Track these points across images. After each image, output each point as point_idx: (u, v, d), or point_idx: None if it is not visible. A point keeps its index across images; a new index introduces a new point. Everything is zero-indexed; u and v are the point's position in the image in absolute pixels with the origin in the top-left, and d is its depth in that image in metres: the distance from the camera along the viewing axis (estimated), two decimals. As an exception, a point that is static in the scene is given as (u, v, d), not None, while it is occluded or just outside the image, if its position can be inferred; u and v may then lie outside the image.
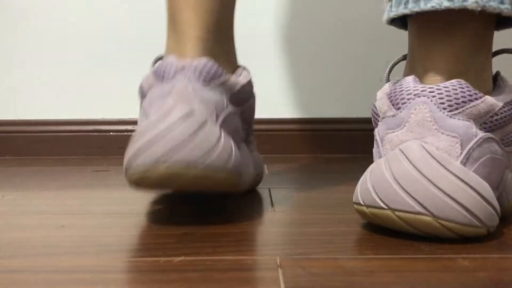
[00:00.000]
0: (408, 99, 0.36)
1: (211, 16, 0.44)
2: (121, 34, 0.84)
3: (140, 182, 0.38)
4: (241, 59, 0.51)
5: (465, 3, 0.35)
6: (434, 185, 0.33)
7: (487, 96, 0.37)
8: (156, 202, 0.49)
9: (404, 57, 0.44)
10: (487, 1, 0.36)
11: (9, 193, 0.56)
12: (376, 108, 0.40)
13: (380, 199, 0.35)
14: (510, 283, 0.28)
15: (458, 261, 0.32)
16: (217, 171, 0.38)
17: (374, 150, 0.40)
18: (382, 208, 0.35)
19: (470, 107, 0.36)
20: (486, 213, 0.34)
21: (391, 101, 0.38)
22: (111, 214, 0.44)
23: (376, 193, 0.35)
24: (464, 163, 0.35)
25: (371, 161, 0.39)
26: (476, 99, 0.36)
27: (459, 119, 0.35)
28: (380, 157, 0.38)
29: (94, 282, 0.29)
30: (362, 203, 0.37)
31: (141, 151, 0.37)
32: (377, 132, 0.39)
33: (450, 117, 0.35)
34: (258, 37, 0.83)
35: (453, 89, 0.36)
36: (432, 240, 0.36)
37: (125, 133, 0.83)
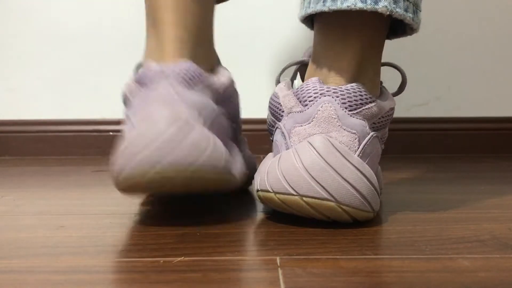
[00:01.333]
0: (314, 97, 0.40)
1: (192, 17, 0.44)
2: (121, 34, 0.84)
3: (130, 188, 0.38)
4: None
5: (376, 6, 0.40)
6: (339, 174, 0.37)
7: (378, 100, 0.42)
8: (156, 202, 0.49)
9: (296, 62, 0.48)
10: (394, 7, 0.40)
11: (9, 193, 0.56)
12: (279, 104, 0.43)
13: (290, 186, 0.38)
14: (510, 283, 0.28)
15: (458, 261, 0.31)
16: (208, 172, 0.38)
17: (278, 141, 0.43)
18: (291, 194, 0.38)
19: (366, 108, 0.40)
20: (375, 200, 0.39)
21: (298, 98, 0.42)
22: (111, 214, 0.44)
23: (286, 180, 0.38)
24: (361, 156, 0.39)
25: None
26: (371, 102, 0.41)
27: (357, 118, 0.40)
28: (287, 148, 0.41)
29: (94, 282, 0.29)
30: (270, 190, 0.39)
31: (130, 158, 0.37)
32: (282, 125, 0.42)
33: (351, 116, 0.40)
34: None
35: (353, 91, 0.40)
36: (432, 240, 0.36)
37: (125, 133, 0.83)
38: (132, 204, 0.47)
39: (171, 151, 0.36)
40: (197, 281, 0.28)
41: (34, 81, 0.86)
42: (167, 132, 0.37)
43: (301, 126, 0.40)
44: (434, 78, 0.88)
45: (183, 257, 0.32)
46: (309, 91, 0.41)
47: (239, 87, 0.50)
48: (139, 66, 0.48)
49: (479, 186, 0.59)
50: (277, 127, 0.44)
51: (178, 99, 0.39)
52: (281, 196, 0.39)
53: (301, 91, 0.41)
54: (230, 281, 0.29)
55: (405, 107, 0.88)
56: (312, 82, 0.41)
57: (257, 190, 0.41)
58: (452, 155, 0.86)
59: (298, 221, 0.40)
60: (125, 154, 0.37)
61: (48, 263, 0.32)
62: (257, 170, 0.44)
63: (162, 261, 0.32)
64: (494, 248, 0.34)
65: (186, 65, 0.41)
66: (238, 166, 0.43)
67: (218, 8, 0.49)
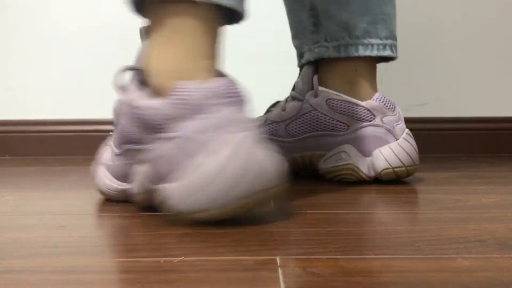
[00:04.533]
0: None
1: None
2: (122, 33, 0.84)
3: (218, 217, 0.39)
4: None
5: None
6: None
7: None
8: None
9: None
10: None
11: (9, 193, 0.56)
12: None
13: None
14: (510, 283, 0.28)
15: (458, 261, 0.32)
16: (284, 182, 0.40)
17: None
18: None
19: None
20: None
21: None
22: (111, 214, 0.44)
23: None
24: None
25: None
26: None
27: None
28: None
29: (94, 282, 0.29)
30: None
31: (232, 187, 0.38)
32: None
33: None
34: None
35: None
36: (432, 240, 0.36)
37: (125, 133, 0.83)
38: (132, 205, 0.47)
39: (266, 174, 0.38)
40: (197, 281, 0.28)
41: (34, 81, 0.86)
42: (257, 153, 0.38)
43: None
44: (434, 78, 0.88)
45: (183, 257, 0.32)
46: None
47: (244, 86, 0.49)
48: (127, 70, 0.46)
49: (479, 186, 0.59)
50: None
51: (244, 119, 0.39)
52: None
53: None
54: (230, 281, 0.29)
55: (405, 107, 0.88)
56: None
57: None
58: (452, 155, 0.85)
59: (298, 221, 0.40)
60: (226, 185, 0.38)
61: (48, 263, 0.32)
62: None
63: (162, 261, 0.32)
64: (494, 248, 0.34)
65: (226, 83, 0.40)
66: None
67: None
